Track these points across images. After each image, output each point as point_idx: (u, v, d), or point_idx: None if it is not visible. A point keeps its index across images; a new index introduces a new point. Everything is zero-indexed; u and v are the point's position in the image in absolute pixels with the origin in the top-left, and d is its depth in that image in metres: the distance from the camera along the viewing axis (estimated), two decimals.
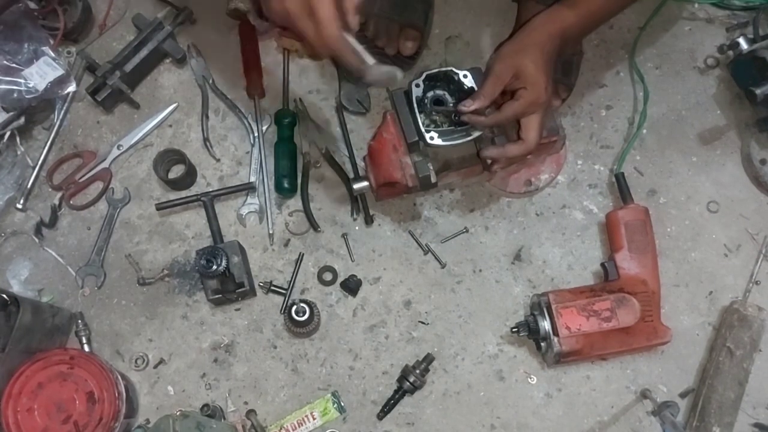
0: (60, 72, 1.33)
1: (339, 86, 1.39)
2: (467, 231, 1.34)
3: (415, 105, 1.14)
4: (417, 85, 1.15)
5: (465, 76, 1.16)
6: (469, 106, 1.10)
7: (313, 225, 1.33)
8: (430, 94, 1.16)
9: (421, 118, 1.14)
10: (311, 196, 1.35)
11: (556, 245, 1.33)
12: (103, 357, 1.25)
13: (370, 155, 1.24)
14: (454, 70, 1.16)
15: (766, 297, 1.30)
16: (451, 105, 1.15)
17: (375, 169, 1.23)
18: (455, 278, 1.32)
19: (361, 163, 1.34)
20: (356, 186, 1.26)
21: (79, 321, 1.27)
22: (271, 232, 1.34)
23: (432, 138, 1.13)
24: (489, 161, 1.19)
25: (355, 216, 1.35)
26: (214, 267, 1.17)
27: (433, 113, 1.16)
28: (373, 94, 1.39)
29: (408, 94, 1.16)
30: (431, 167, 1.19)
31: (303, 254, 1.33)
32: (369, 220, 1.34)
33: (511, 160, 1.18)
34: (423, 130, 1.13)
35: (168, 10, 1.42)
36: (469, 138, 1.15)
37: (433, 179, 1.19)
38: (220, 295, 1.25)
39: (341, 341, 1.29)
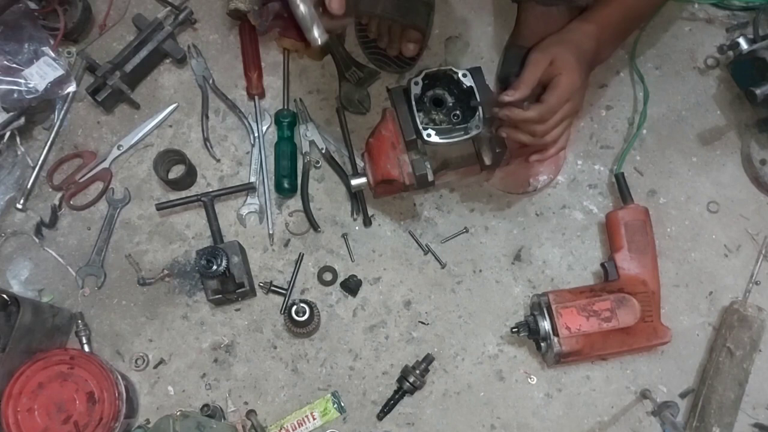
0: (60, 72, 1.33)
1: (339, 86, 1.39)
2: (467, 231, 1.34)
3: (414, 103, 1.14)
4: (416, 84, 1.15)
5: (464, 75, 1.16)
6: (511, 95, 1.05)
7: (313, 225, 1.33)
8: (429, 93, 1.16)
9: (419, 116, 1.14)
10: (311, 196, 1.35)
11: (556, 245, 1.33)
12: (103, 357, 1.25)
13: (369, 152, 1.24)
14: (453, 69, 1.16)
15: (766, 297, 1.30)
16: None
17: (373, 166, 1.23)
18: (455, 278, 1.32)
19: (360, 162, 1.34)
20: (354, 182, 1.26)
21: (79, 321, 1.27)
22: (271, 232, 1.34)
23: (429, 135, 1.13)
24: (487, 163, 1.19)
25: (355, 216, 1.35)
26: (214, 267, 1.17)
27: (432, 111, 1.16)
28: (373, 94, 1.39)
29: (407, 92, 1.16)
30: (429, 165, 1.19)
31: (303, 254, 1.33)
32: (368, 222, 1.34)
33: (506, 152, 1.15)
34: (421, 127, 1.13)
35: (168, 10, 1.42)
36: (466, 136, 1.15)
37: (431, 178, 1.19)
38: (220, 296, 1.25)
39: (341, 341, 1.29)
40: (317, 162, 1.37)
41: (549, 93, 1.07)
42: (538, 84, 1.09)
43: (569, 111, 1.09)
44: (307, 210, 1.34)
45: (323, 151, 1.37)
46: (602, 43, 1.13)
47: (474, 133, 1.14)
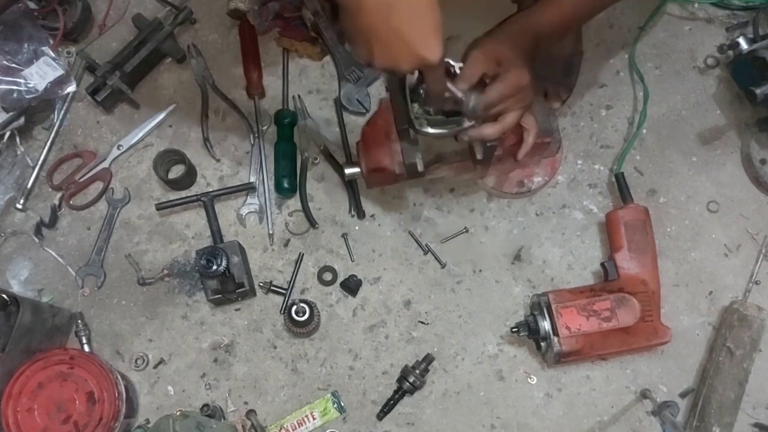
0: (60, 72, 1.33)
1: (339, 86, 1.39)
2: (467, 231, 1.34)
3: (408, 93, 1.13)
4: (411, 73, 1.15)
5: (461, 69, 1.15)
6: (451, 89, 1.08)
7: (311, 221, 1.33)
8: (424, 84, 1.16)
9: (414, 107, 1.14)
10: (311, 196, 1.35)
11: (556, 245, 1.33)
12: (103, 357, 1.25)
13: (363, 141, 1.24)
14: (450, 62, 1.15)
15: (766, 297, 1.30)
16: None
17: (366, 155, 1.23)
18: (455, 278, 1.32)
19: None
20: (347, 171, 1.26)
21: (79, 321, 1.27)
22: (271, 232, 1.34)
23: (422, 125, 1.13)
24: (478, 157, 1.18)
25: (353, 213, 1.35)
26: (214, 267, 1.17)
27: (427, 105, 1.15)
28: (372, 94, 1.39)
29: (402, 81, 1.15)
30: (419, 155, 1.19)
31: (303, 254, 1.33)
32: (362, 214, 1.33)
33: (497, 147, 1.15)
34: (413, 117, 1.13)
35: (168, 10, 1.42)
36: (459, 128, 1.14)
37: (420, 168, 1.19)
38: (220, 295, 1.25)
39: (341, 341, 1.29)
40: (315, 159, 1.37)
41: (493, 86, 1.07)
42: (483, 78, 1.10)
43: (516, 102, 1.10)
44: (305, 206, 1.34)
45: (321, 148, 1.37)
46: (539, 38, 1.14)
47: (466, 125, 1.14)
